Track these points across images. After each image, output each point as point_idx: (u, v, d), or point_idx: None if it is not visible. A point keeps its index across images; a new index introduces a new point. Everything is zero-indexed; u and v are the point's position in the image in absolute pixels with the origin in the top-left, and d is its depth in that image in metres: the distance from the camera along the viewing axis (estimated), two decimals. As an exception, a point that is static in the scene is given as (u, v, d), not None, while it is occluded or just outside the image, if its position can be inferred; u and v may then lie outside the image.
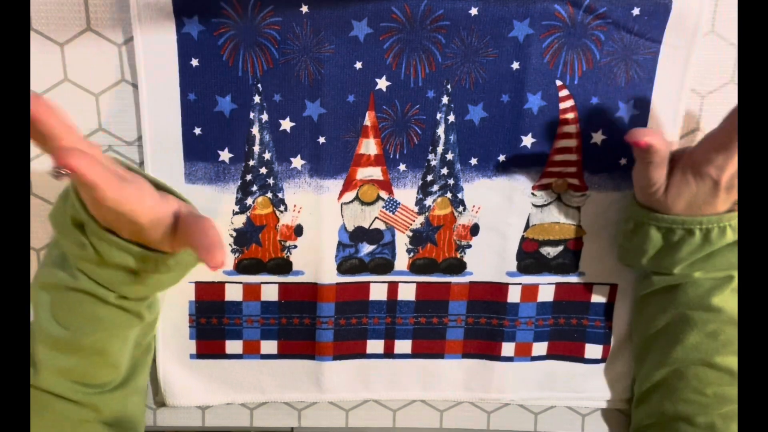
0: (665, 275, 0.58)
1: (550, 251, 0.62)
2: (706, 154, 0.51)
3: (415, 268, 0.63)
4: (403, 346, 0.65)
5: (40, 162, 0.58)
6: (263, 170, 0.59)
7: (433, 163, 0.59)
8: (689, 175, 0.53)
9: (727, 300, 0.55)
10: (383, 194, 0.60)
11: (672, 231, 0.55)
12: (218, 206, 0.59)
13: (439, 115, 0.58)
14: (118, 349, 0.54)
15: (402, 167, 0.60)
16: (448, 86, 0.57)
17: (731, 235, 0.53)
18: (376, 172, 0.60)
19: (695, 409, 0.56)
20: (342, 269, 0.62)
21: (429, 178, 0.60)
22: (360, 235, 0.61)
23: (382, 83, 0.57)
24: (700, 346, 0.56)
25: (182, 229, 0.50)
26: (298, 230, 0.61)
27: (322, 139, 0.58)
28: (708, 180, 0.52)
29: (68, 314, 0.52)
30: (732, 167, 0.51)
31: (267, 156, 0.58)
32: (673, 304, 0.57)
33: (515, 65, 0.56)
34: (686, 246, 0.54)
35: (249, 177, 0.59)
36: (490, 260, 0.63)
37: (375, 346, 0.65)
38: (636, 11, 0.55)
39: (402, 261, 0.62)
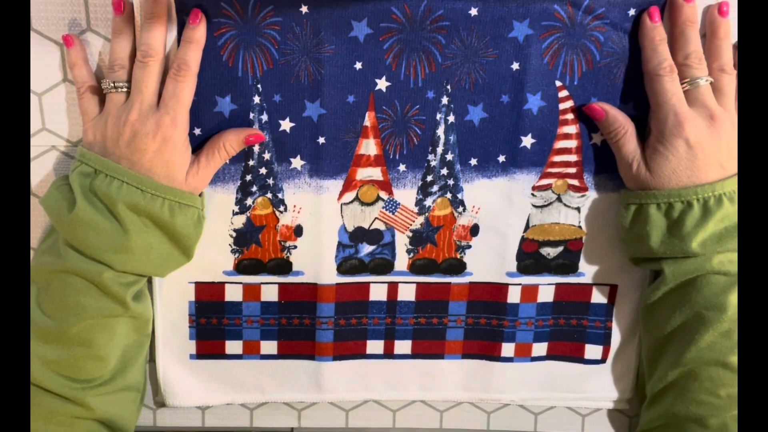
0: (680, 260, 0.56)
1: (550, 252, 0.62)
2: (664, 120, 0.55)
3: (415, 268, 0.63)
4: (402, 346, 0.65)
5: (40, 162, 0.58)
6: (263, 170, 0.59)
7: (433, 163, 0.59)
8: (659, 146, 0.55)
9: None
10: (383, 195, 0.60)
11: (671, 207, 0.55)
12: (218, 206, 0.59)
13: (438, 116, 0.58)
14: (104, 341, 0.55)
15: (402, 168, 0.60)
16: (448, 87, 0.57)
17: (728, 204, 0.54)
18: (375, 173, 0.60)
19: (707, 410, 0.56)
20: (342, 269, 0.62)
21: (429, 178, 0.60)
22: (360, 235, 0.61)
23: (382, 83, 0.57)
24: (714, 345, 0.55)
25: (210, 142, 0.56)
26: (298, 230, 0.61)
27: (321, 140, 0.58)
28: (675, 141, 0.54)
29: (53, 303, 0.54)
30: (690, 123, 0.54)
31: (267, 156, 0.58)
32: (688, 303, 0.56)
33: (515, 66, 0.56)
34: (689, 219, 0.54)
35: (249, 177, 0.59)
36: (490, 261, 0.63)
37: (375, 346, 0.65)
38: (632, 12, 0.55)
39: (402, 261, 0.62)
